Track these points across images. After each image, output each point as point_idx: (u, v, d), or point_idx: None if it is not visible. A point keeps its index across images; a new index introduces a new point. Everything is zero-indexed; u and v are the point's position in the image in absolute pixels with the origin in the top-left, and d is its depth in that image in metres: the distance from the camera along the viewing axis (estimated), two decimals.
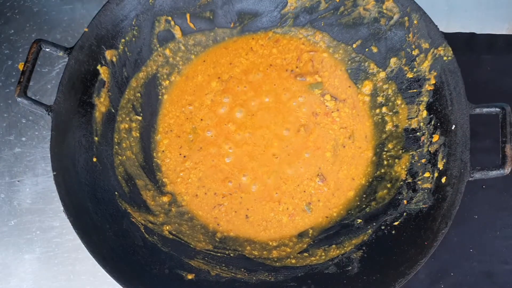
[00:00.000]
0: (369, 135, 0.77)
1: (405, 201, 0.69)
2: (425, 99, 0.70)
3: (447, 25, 0.87)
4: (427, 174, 0.67)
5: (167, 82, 0.80)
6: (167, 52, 0.79)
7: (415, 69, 0.72)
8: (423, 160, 0.69)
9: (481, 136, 0.67)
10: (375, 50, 0.77)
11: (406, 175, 0.71)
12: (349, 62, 0.80)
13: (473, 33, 0.87)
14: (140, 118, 0.76)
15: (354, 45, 0.78)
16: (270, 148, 0.76)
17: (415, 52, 0.71)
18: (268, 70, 0.80)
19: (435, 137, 0.67)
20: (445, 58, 0.66)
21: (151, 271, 0.64)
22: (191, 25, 0.79)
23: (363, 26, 0.76)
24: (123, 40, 0.73)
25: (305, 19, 0.80)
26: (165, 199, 0.74)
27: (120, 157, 0.73)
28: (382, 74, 0.76)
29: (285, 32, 0.81)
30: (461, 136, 0.63)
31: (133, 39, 0.75)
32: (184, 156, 0.77)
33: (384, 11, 0.72)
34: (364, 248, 0.68)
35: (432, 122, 0.69)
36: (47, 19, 0.89)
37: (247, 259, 0.70)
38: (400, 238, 0.66)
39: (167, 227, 0.71)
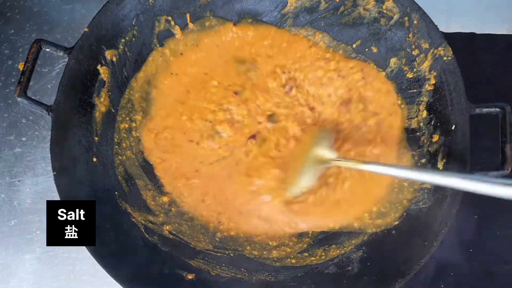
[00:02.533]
0: None
1: (405, 201, 0.69)
2: (425, 99, 0.70)
3: (447, 25, 0.87)
4: None
5: (167, 82, 0.79)
6: (167, 52, 0.79)
7: (415, 69, 0.72)
8: (423, 160, 0.69)
9: (481, 136, 0.67)
10: (375, 50, 0.77)
11: None
12: None
13: (473, 33, 0.87)
14: (140, 118, 0.76)
15: (354, 45, 0.78)
16: (271, 149, 0.76)
17: (415, 52, 0.71)
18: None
19: (435, 137, 0.67)
20: (445, 58, 0.66)
21: (151, 271, 0.64)
22: (191, 25, 0.79)
23: (363, 26, 0.76)
24: (123, 40, 0.73)
25: (305, 19, 0.80)
26: (165, 199, 0.74)
27: (120, 157, 0.73)
28: (382, 74, 0.76)
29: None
30: (461, 136, 0.63)
31: (133, 39, 0.75)
32: None
33: (384, 11, 0.72)
34: (364, 248, 0.68)
35: (432, 122, 0.69)
36: (47, 19, 0.89)
37: (247, 259, 0.70)
38: (400, 238, 0.66)
39: (167, 227, 0.71)
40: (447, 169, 0.64)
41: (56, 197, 0.61)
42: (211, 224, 0.73)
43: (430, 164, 0.68)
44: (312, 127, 0.75)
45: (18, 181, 0.80)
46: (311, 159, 0.68)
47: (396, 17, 0.72)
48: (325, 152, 0.67)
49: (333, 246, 0.70)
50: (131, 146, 0.75)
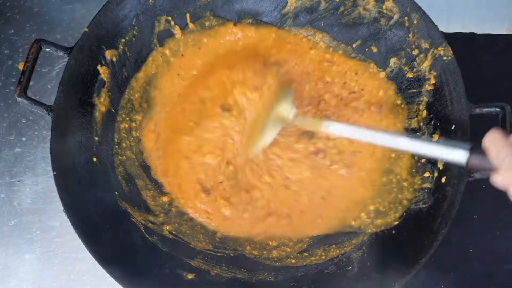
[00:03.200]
0: None
1: (405, 201, 0.69)
2: (425, 99, 0.70)
3: (447, 25, 0.87)
4: (427, 174, 0.67)
5: (167, 82, 0.80)
6: (167, 52, 0.79)
7: (415, 69, 0.72)
8: (423, 160, 0.69)
9: (481, 136, 0.67)
10: (375, 50, 0.77)
11: (407, 174, 0.71)
12: None
13: (473, 33, 0.87)
14: (140, 118, 0.76)
15: (354, 45, 0.78)
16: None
17: (415, 52, 0.71)
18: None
19: (435, 137, 0.67)
20: (445, 58, 0.66)
21: (151, 271, 0.64)
22: (191, 25, 0.79)
23: (363, 26, 0.76)
24: (123, 40, 0.73)
25: (305, 19, 0.80)
26: (165, 199, 0.74)
27: (120, 157, 0.73)
28: (382, 74, 0.76)
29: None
30: (461, 136, 0.63)
31: (133, 39, 0.75)
32: None
33: (384, 11, 0.72)
34: (364, 248, 0.68)
35: (432, 122, 0.69)
36: (47, 19, 0.89)
37: (247, 259, 0.70)
38: (400, 238, 0.66)
39: (167, 227, 0.71)
40: (447, 169, 0.64)
41: (56, 197, 0.61)
42: (211, 229, 0.74)
43: (430, 163, 0.68)
44: (276, 81, 0.74)
45: (18, 181, 0.80)
46: (273, 116, 0.68)
47: (396, 17, 0.72)
48: (285, 109, 0.67)
49: (333, 246, 0.70)
50: (131, 146, 0.75)
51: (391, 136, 0.57)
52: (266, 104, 0.71)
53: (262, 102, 0.72)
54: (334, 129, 0.61)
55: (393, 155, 0.73)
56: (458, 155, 0.50)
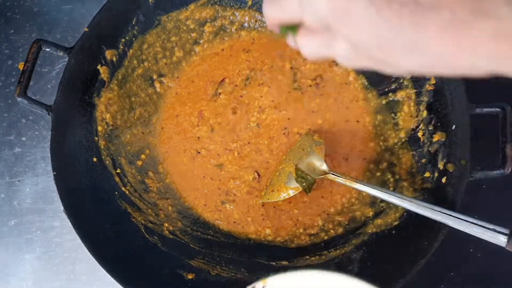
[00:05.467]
0: None
1: None
2: (425, 99, 0.70)
3: None
4: (427, 174, 0.67)
5: (168, 81, 0.80)
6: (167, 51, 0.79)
7: None
8: (423, 160, 0.69)
9: (481, 136, 0.67)
10: None
11: (407, 174, 0.71)
12: None
13: None
14: None
15: None
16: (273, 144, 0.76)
17: None
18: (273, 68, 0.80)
19: (435, 137, 0.67)
20: None
21: (151, 271, 0.64)
22: (192, 24, 0.79)
23: None
24: (123, 40, 0.73)
25: None
26: (166, 199, 0.74)
27: (120, 157, 0.73)
28: None
29: None
30: (461, 136, 0.63)
31: (133, 38, 0.75)
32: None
33: None
34: (364, 248, 0.68)
35: (433, 122, 0.69)
36: (47, 19, 0.89)
37: (247, 259, 0.70)
38: (400, 238, 0.66)
39: (167, 227, 0.71)
40: (447, 169, 0.64)
41: (56, 197, 0.61)
42: (211, 224, 0.74)
43: (431, 164, 0.68)
44: (309, 133, 0.75)
45: (18, 181, 0.80)
46: (304, 166, 0.69)
47: None
48: (318, 163, 0.68)
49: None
50: None
51: (427, 207, 0.59)
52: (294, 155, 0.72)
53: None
54: (366, 190, 0.64)
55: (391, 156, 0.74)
56: (498, 239, 0.55)
